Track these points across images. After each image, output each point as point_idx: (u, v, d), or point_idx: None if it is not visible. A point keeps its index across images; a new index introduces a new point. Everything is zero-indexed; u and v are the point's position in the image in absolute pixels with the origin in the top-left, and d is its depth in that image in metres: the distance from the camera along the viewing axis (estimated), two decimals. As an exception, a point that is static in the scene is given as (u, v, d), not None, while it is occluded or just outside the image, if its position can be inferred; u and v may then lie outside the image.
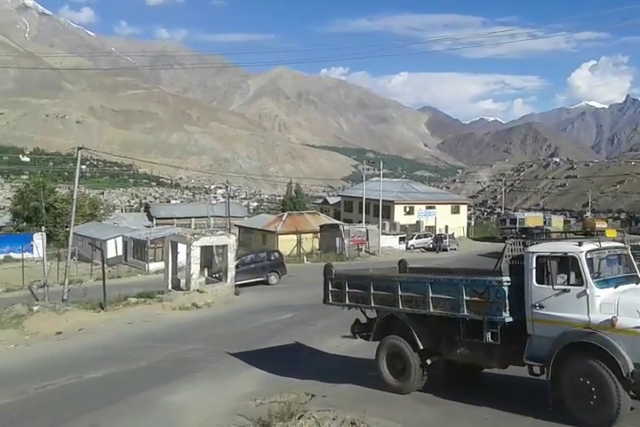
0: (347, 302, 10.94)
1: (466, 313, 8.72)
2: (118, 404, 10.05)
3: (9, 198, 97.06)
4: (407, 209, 56.96)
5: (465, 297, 8.67)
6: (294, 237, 43.08)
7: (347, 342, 14.82)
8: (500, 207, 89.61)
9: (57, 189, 61.96)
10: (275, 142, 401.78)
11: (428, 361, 9.51)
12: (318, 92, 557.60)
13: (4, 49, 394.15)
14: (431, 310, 9.16)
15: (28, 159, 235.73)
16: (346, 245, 41.45)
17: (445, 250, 44.09)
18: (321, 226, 46.33)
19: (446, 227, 53.57)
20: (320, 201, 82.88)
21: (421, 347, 9.49)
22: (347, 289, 10.83)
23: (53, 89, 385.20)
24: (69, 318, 17.33)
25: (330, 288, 11.28)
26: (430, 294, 9.12)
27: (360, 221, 49.08)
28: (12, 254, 39.40)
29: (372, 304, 10.37)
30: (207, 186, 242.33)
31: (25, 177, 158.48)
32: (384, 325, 10.47)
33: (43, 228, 29.92)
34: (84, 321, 17.40)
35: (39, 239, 34.56)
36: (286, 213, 51.89)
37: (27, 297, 23.26)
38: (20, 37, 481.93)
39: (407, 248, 46.45)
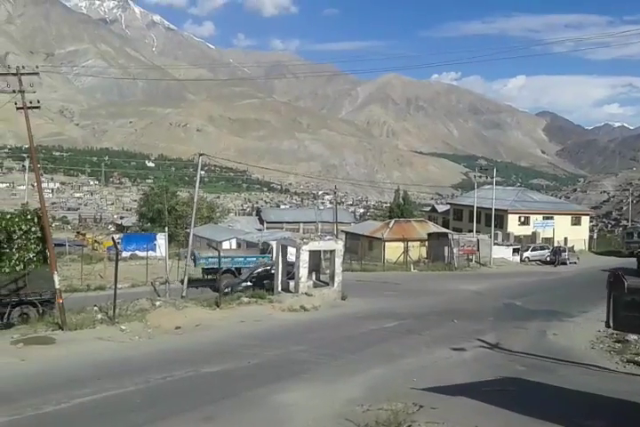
0: None
1: None
2: (232, 398, 10.44)
3: (135, 200, 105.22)
4: (522, 219, 54.26)
5: None
6: (401, 244, 42.56)
7: (456, 354, 14.42)
8: (627, 219, 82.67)
9: (178, 193, 65.98)
10: (382, 149, 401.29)
11: None
12: (428, 98, 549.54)
13: (135, 62, 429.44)
14: None
15: (152, 164, 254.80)
16: (455, 254, 40.29)
17: (564, 264, 41.47)
18: (429, 234, 45.43)
19: (565, 239, 50.38)
20: (428, 209, 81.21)
21: None
22: None
23: (177, 99, 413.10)
24: (188, 315, 18.27)
25: (619, 308, 8.08)
26: None
27: (470, 231, 47.51)
28: (137, 252, 42.38)
29: None
30: (315, 192, 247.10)
31: (150, 181, 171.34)
32: None
33: (165, 228, 31.90)
34: (200, 318, 18.25)
35: (162, 239, 36.93)
36: (393, 220, 51.41)
37: (150, 293, 25.03)
38: (148, 51, 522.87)
39: (521, 260, 44.26)
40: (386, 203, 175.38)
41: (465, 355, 14.39)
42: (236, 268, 27.29)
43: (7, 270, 15.63)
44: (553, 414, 8.96)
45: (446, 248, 41.25)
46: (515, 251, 45.15)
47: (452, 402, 10.10)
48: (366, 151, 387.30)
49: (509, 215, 53.06)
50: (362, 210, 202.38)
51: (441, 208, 72.92)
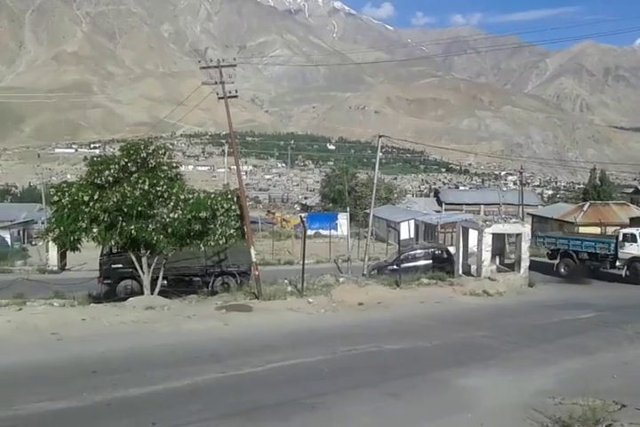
0: None
1: None
2: (415, 377, 10.50)
3: (318, 182, 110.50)
4: None
5: None
6: (597, 229, 38.83)
7: (666, 352, 12.80)
8: None
9: (357, 174, 67.74)
10: (575, 125, 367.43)
11: None
12: (631, 67, 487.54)
13: (317, 49, 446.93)
14: None
15: (333, 147, 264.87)
16: (663, 241, 35.53)
17: None
18: (631, 219, 40.59)
19: None
20: (630, 190, 72.77)
21: None
22: None
23: (356, 83, 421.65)
24: (369, 292, 18.79)
25: None
26: None
27: (683, 215, 41.59)
28: (320, 231, 44.70)
29: None
30: (497, 172, 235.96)
31: (331, 163, 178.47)
32: None
33: (347, 208, 32.96)
34: (381, 296, 18.64)
35: (343, 219, 38.42)
36: (588, 203, 47.20)
37: (333, 269, 26.26)
38: (329, 38, 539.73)
39: None
40: (579, 184, 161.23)
41: (678, 355, 12.72)
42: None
43: (212, 244, 17.41)
44: None
45: (653, 235, 36.59)
46: None
47: (663, 405, 9.00)
48: (556, 128, 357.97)
49: None
50: (550, 192, 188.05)
51: (646, 190, 64.91)
